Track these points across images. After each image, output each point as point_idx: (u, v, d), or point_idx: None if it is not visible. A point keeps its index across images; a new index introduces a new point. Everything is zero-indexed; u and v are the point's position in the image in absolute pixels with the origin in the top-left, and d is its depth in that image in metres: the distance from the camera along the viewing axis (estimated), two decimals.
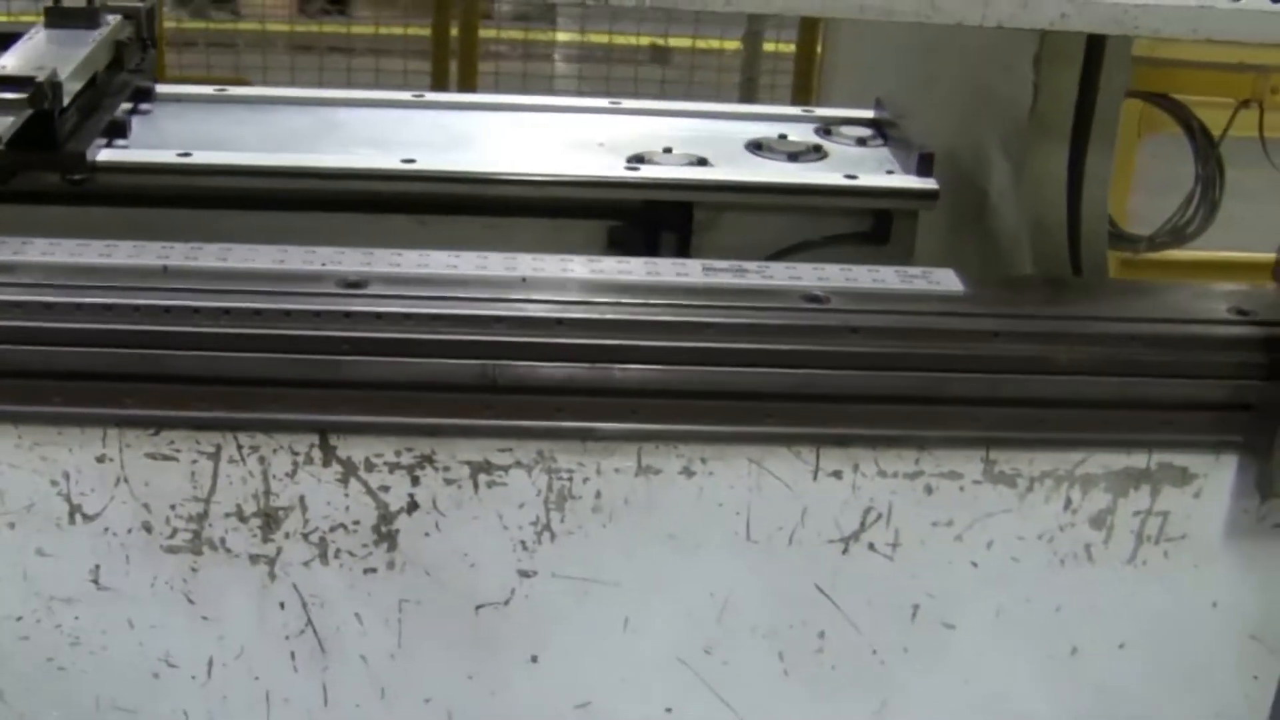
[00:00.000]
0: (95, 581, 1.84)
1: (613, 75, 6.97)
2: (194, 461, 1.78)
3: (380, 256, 1.87)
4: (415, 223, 2.27)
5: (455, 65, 6.52)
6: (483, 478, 1.79)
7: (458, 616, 1.86)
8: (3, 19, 6.31)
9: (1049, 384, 1.83)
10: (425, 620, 1.87)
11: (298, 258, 1.86)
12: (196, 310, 1.75)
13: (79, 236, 1.91)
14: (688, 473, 1.81)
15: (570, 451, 1.79)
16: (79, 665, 1.89)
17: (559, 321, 1.78)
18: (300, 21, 7.56)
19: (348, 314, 1.75)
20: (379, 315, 1.75)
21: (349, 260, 1.86)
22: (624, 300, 1.82)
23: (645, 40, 7.00)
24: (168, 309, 1.75)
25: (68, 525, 1.81)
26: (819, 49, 5.54)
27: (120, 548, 1.82)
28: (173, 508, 1.80)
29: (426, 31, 6.68)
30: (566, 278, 1.86)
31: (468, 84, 6.42)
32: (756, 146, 2.50)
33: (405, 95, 2.66)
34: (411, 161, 2.26)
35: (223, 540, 1.82)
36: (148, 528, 1.81)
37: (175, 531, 1.81)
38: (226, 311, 1.75)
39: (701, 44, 6.88)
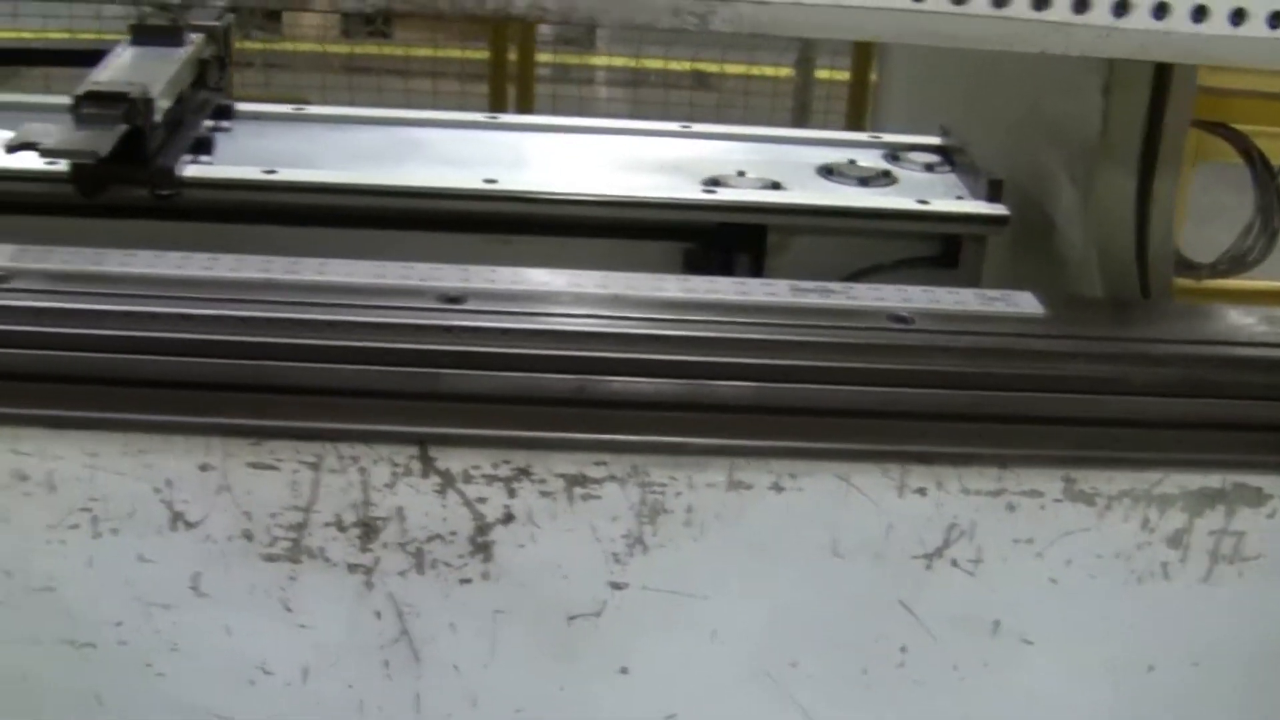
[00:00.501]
0: (195, 588, 1.87)
1: (665, 100, 7.02)
2: (295, 471, 1.82)
3: (477, 272, 1.91)
4: (497, 241, 2.32)
5: (512, 88, 6.59)
6: (577, 490, 1.83)
7: (550, 627, 1.90)
8: (88, 35, 6.36)
9: (1127, 404, 1.87)
10: (518, 630, 1.90)
11: (396, 272, 1.90)
12: (300, 322, 1.79)
13: (166, 250, 1.96)
14: (777, 488, 1.84)
15: (663, 466, 1.83)
16: (176, 670, 1.92)
17: (653, 338, 1.82)
18: (357, 43, 7.63)
19: (448, 328, 1.80)
20: (478, 330, 1.79)
21: (447, 276, 1.90)
22: (716, 318, 1.87)
23: (688, 66, 7.06)
24: (272, 321, 1.80)
25: (169, 532, 1.85)
26: (873, 75, 5.59)
27: (220, 555, 1.85)
28: (273, 516, 1.84)
29: (482, 55, 6.75)
30: (659, 296, 1.90)
31: (525, 106, 6.48)
32: (828, 171, 2.54)
33: (480, 116, 2.71)
34: (493, 181, 2.31)
35: (321, 549, 1.85)
36: (248, 536, 1.84)
37: (275, 540, 1.85)
38: (330, 324, 1.80)
39: (755, 71, 6.93)
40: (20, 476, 1.83)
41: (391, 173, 2.36)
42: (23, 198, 2.29)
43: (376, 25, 7.55)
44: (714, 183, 2.42)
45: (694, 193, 2.37)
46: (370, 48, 7.43)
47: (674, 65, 7.06)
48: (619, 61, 7.31)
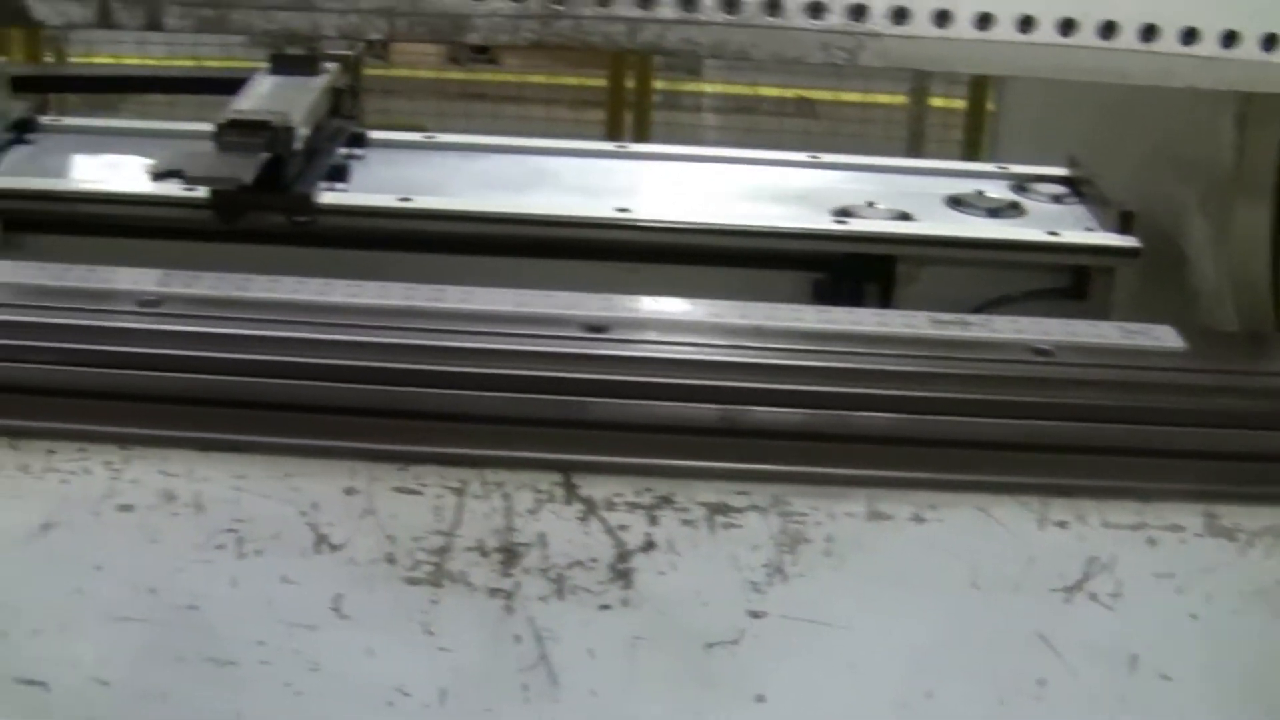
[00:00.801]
0: (337, 610, 1.89)
1: (778, 128, 7.04)
2: (439, 496, 1.84)
3: (618, 301, 1.93)
4: (626, 270, 2.33)
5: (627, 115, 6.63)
6: (719, 519, 1.84)
7: (688, 654, 1.91)
8: (212, 62, 6.47)
9: (1270, 439, 1.86)
10: (656, 657, 1.91)
11: (539, 301, 1.92)
12: (446, 349, 1.82)
13: (300, 276, 1.99)
14: (917, 519, 1.84)
15: (804, 495, 1.83)
16: (316, 690, 1.94)
17: (795, 369, 1.83)
18: (472, 69, 7.70)
19: (592, 357, 1.81)
20: (622, 359, 1.81)
21: (589, 304, 1.92)
22: (855, 349, 1.87)
23: (791, 93, 7.08)
24: (418, 348, 1.82)
25: (313, 554, 1.87)
26: (989, 104, 5.57)
27: (364, 578, 1.87)
28: (416, 540, 1.86)
29: (599, 82, 6.80)
30: (800, 327, 1.91)
31: (642, 133, 6.52)
32: (956, 202, 2.54)
33: (608, 145, 2.73)
34: (626, 210, 2.33)
35: (463, 573, 1.87)
36: (391, 559, 1.86)
37: (417, 563, 1.86)
38: (475, 351, 1.82)
39: (869, 99, 6.94)
40: (168, 497, 1.86)
41: (524, 201, 2.39)
42: (162, 222, 2.34)
43: (487, 53, 7.60)
44: (844, 213, 2.43)
45: (825, 223, 2.38)
46: (485, 74, 7.49)
47: (782, 92, 7.08)
48: (734, 89, 7.32)
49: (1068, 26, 1.77)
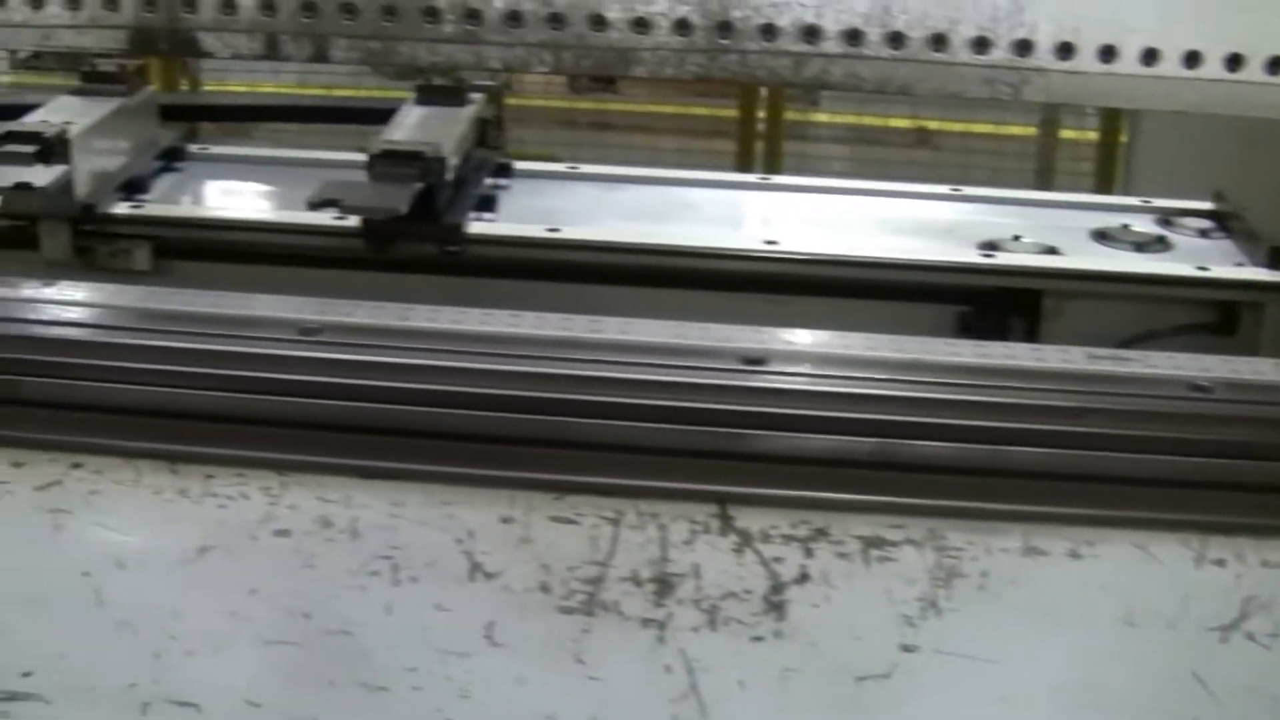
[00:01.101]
0: (489, 637, 1.91)
1: (885, 158, 7.04)
2: (595, 526, 1.85)
3: (774, 334, 1.93)
4: (773, 302, 2.34)
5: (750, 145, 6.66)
6: (874, 552, 1.83)
7: (839, 687, 1.90)
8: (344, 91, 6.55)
9: None
10: (807, 689, 1.91)
11: (695, 333, 1.93)
12: (604, 380, 1.83)
13: (447, 305, 2.01)
14: (1073, 555, 1.84)
15: (959, 530, 1.83)
16: (467, 718, 1.95)
17: (951, 403, 1.82)
18: (607, 99, 7.74)
19: (750, 389, 1.82)
20: (780, 392, 1.82)
21: (744, 337, 1.92)
22: (1012, 384, 1.87)
23: (927, 123, 7.08)
24: (576, 378, 1.83)
25: (467, 582, 1.89)
26: (1122, 136, 5.54)
27: (517, 606, 1.89)
28: (570, 570, 1.87)
29: (728, 112, 6.82)
30: (956, 361, 1.90)
31: (774, 164, 6.54)
32: (1101, 235, 2.53)
33: (751, 177, 2.74)
34: (774, 243, 2.33)
35: (616, 603, 1.88)
36: (545, 588, 1.88)
37: (571, 593, 1.88)
38: (633, 383, 1.83)
39: (999, 130, 6.92)
40: (325, 523, 1.89)
41: (671, 232, 2.40)
42: (312, 251, 2.36)
43: (613, 83, 7.62)
44: (990, 246, 2.42)
45: (972, 256, 2.37)
46: (613, 104, 7.54)
47: (916, 123, 7.08)
48: (864, 120, 7.30)
49: (1234, 63, 1.76)
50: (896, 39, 1.75)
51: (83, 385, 1.90)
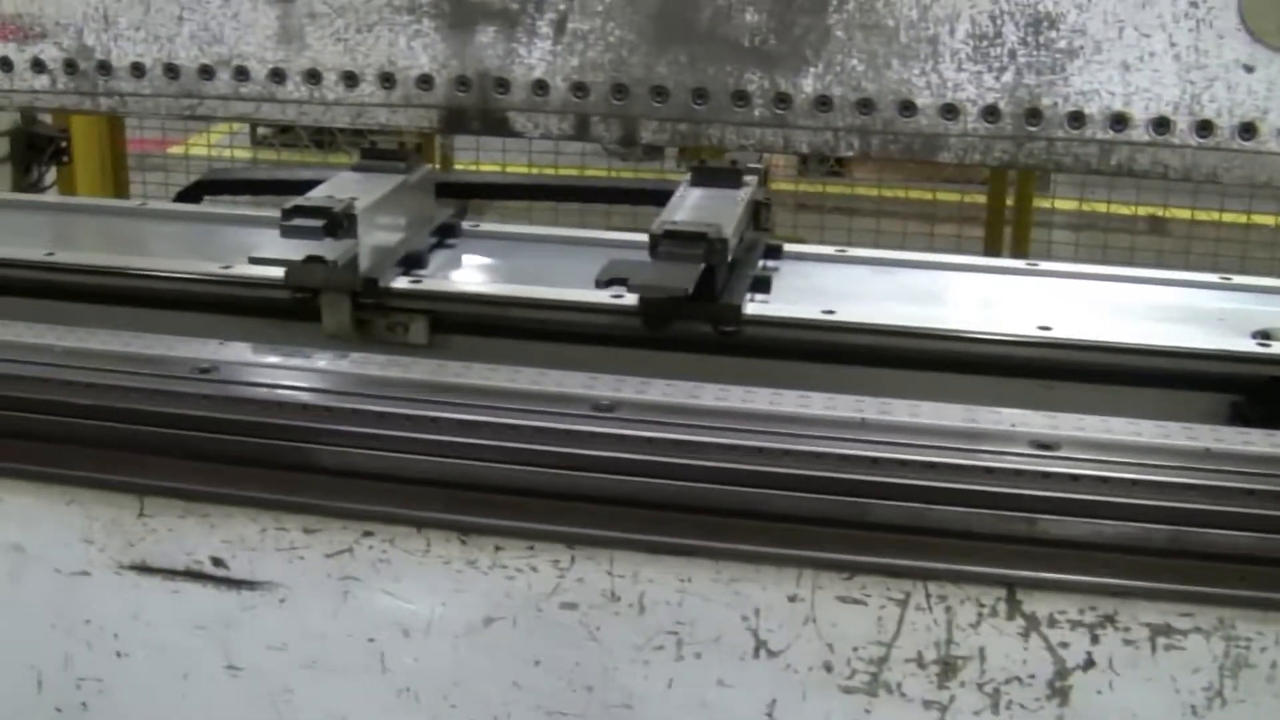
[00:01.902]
0: (770, 714, 1.93)
1: (1114, 244, 7.01)
2: (882, 607, 1.87)
3: (1064, 420, 1.95)
4: (1040, 386, 2.35)
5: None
6: (1160, 640, 1.84)
7: None
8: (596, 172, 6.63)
9: None
10: None
11: (986, 417, 1.95)
12: (895, 462, 1.86)
13: (721, 384, 2.04)
14: None
15: (1249, 620, 1.83)
16: None
17: (1247, 492, 1.82)
18: (847, 183, 7.79)
19: (1043, 474, 1.84)
20: (1074, 477, 1.83)
21: (1034, 421, 1.94)
22: None
23: (1143, 211, 7.09)
24: (868, 460, 1.86)
25: (751, 659, 1.91)
26: None
27: (799, 684, 1.91)
28: (855, 649, 1.89)
29: (976, 198, 6.86)
30: (1248, 450, 1.90)
31: (1021, 249, 6.55)
32: None
33: (1018, 263, 2.75)
34: (1047, 329, 2.34)
35: (899, 684, 1.89)
36: (828, 667, 1.90)
37: (854, 672, 1.90)
38: (923, 465, 1.85)
39: (1239, 220, 6.90)
40: (612, 597, 1.92)
41: (944, 316, 2.41)
42: (590, 329, 2.41)
43: (831, 165, 7.66)
44: (1265, 335, 2.41)
45: (1247, 345, 2.37)
46: (849, 188, 7.58)
47: (1114, 209, 7.07)
48: (1115, 209, 7.23)
49: None
50: (1205, 127, 1.76)
51: (377, 455, 1.96)
